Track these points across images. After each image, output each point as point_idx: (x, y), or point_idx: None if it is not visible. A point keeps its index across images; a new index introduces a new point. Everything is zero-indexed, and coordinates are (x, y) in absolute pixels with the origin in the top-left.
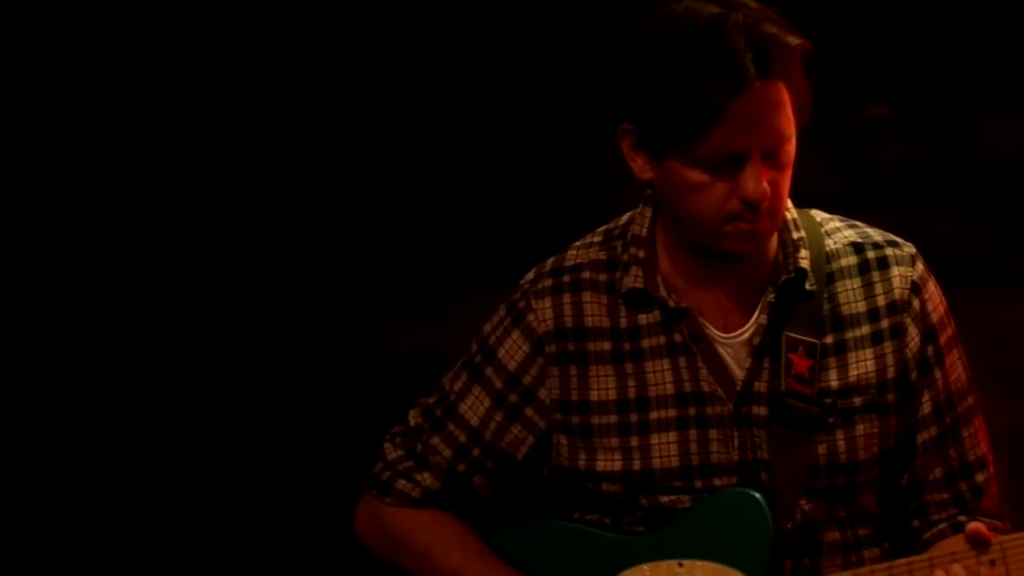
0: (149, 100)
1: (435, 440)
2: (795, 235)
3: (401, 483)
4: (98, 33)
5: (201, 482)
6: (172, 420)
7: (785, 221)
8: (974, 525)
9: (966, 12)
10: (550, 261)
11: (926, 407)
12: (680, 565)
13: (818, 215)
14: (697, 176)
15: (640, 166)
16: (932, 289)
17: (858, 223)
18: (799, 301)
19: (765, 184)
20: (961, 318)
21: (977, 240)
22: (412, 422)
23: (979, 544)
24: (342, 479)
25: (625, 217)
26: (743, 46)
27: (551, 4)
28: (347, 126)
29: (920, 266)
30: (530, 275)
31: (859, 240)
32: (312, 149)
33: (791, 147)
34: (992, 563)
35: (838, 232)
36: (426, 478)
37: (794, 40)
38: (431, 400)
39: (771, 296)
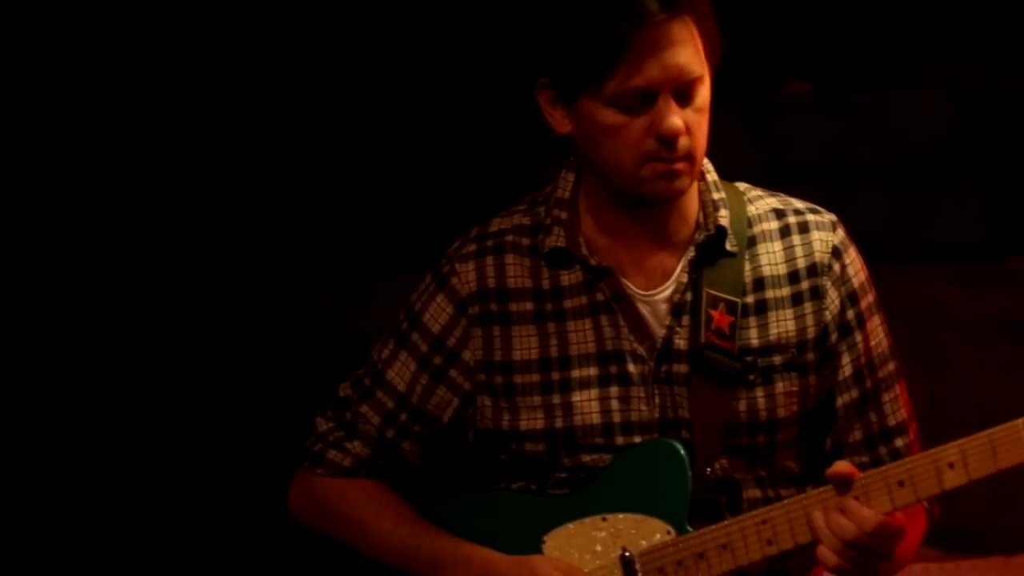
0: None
1: (364, 408)
2: (715, 196)
3: (332, 453)
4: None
5: (121, 466)
6: (90, 403)
7: (706, 182)
8: (837, 464)
9: None
10: (475, 229)
11: (846, 370)
12: (603, 520)
13: (741, 185)
14: (612, 117)
15: (558, 119)
16: (853, 255)
17: (781, 193)
18: (720, 261)
19: (679, 120)
20: (883, 295)
21: (898, 217)
22: (342, 393)
23: (841, 485)
24: (268, 459)
25: (550, 187)
26: None
27: None
28: (268, 107)
29: (841, 232)
30: (455, 244)
31: (781, 206)
32: (234, 130)
33: (705, 91)
34: (856, 497)
35: (760, 200)
36: (356, 446)
37: None
38: (360, 371)
39: (692, 254)
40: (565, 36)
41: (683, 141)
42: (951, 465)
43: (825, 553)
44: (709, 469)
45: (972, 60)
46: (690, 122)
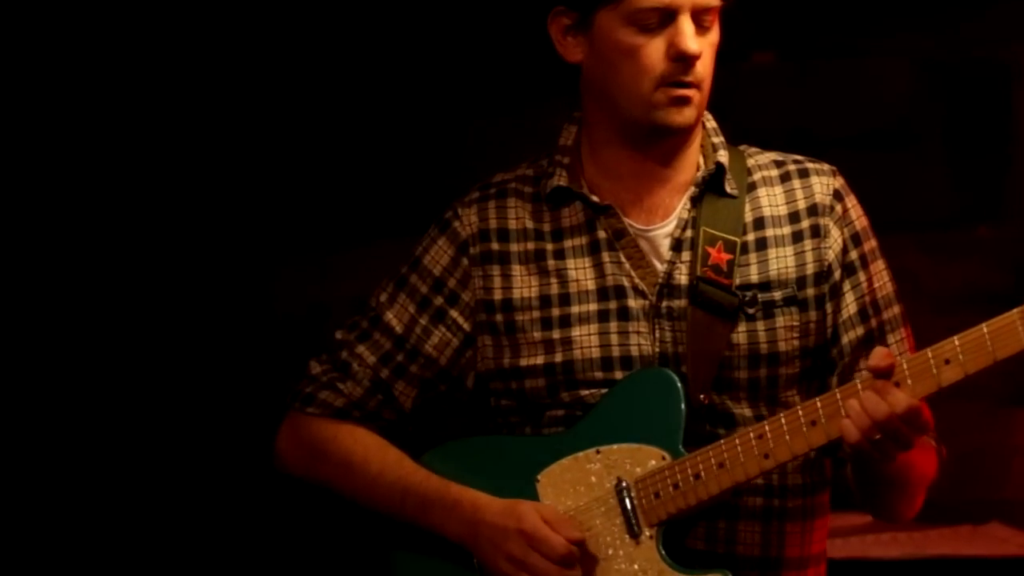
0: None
1: (360, 349)
2: (715, 139)
3: (324, 393)
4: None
5: (85, 445)
6: (58, 380)
7: (706, 129)
8: (878, 350)
9: None
10: (479, 183)
11: (851, 308)
12: (597, 452)
13: (741, 147)
14: (629, 36)
15: (571, 48)
16: (855, 201)
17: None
18: (721, 201)
19: (696, 42)
20: None
21: (864, 186)
22: (338, 336)
23: (881, 373)
24: (237, 432)
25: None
26: None
27: None
28: (233, 83)
29: (841, 179)
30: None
31: (780, 158)
32: (199, 107)
33: (717, 28)
34: (896, 384)
35: (759, 154)
36: (349, 386)
37: None
38: (357, 316)
39: (693, 192)
40: None
41: (698, 66)
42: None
43: (849, 428)
44: (703, 395)
45: (936, 29)
46: (704, 51)
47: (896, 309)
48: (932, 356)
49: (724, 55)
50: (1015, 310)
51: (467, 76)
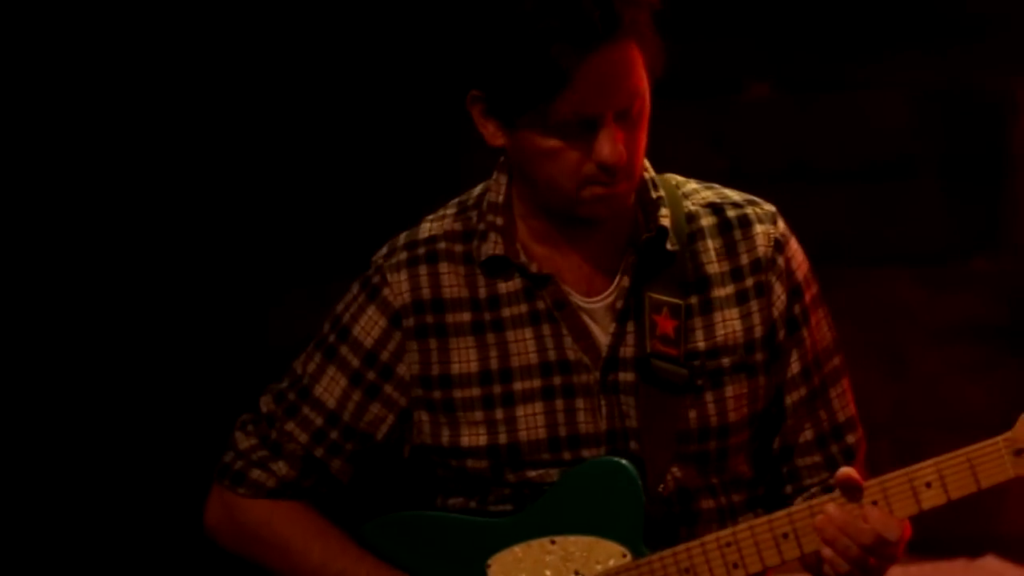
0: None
1: (290, 426)
2: (654, 195)
3: (256, 473)
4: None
5: (79, 473)
6: (52, 410)
7: (644, 181)
8: (844, 470)
9: None
10: (403, 235)
11: (795, 367)
12: (553, 543)
13: (674, 178)
14: (550, 143)
15: (491, 132)
16: (795, 247)
17: (716, 185)
18: (661, 262)
19: (621, 147)
20: (844, 297)
21: (859, 219)
22: (264, 408)
23: (850, 491)
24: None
25: (479, 188)
26: (589, 5)
27: None
28: (231, 111)
29: (781, 224)
30: (383, 250)
31: (718, 200)
32: (195, 136)
33: (645, 104)
34: (874, 503)
35: (696, 194)
36: (281, 467)
37: None
38: (283, 385)
39: (632, 258)
40: (504, 62)
41: (623, 165)
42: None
43: (835, 560)
44: (662, 486)
45: (933, 60)
46: (630, 140)
47: (836, 361)
48: (911, 479)
49: (720, 86)
50: (999, 438)
51: (461, 107)
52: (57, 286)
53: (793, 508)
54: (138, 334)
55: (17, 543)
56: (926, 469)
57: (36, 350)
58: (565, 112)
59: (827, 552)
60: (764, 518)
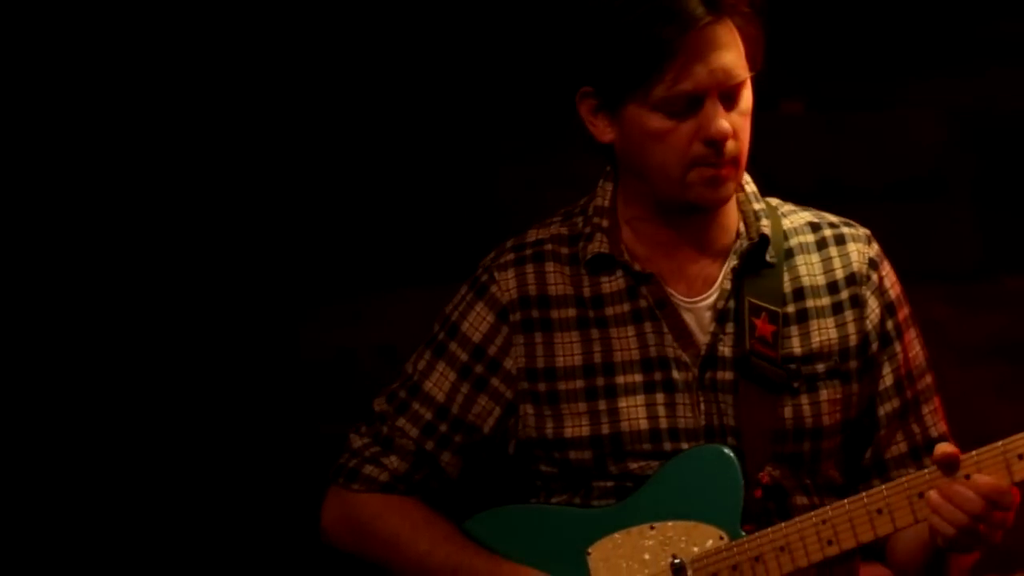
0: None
1: (401, 422)
2: (756, 206)
3: (368, 468)
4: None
5: (110, 484)
6: (81, 421)
7: (746, 192)
8: (942, 446)
9: (880, 7)
10: (510, 240)
11: (888, 379)
12: (652, 528)
13: (772, 200)
14: (658, 122)
15: (601, 129)
16: (888, 267)
17: (812, 208)
18: (760, 271)
19: (726, 123)
20: None
21: (891, 237)
22: (376, 408)
23: (948, 466)
24: (262, 478)
25: (584, 199)
26: None
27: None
28: (263, 123)
29: (876, 245)
30: (490, 255)
31: (816, 220)
32: (228, 148)
33: (748, 94)
34: (967, 477)
35: (794, 213)
36: (393, 461)
37: None
38: (394, 385)
39: (734, 262)
40: (610, 44)
41: (730, 145)
42: None
43: (943, 526)
44: (759, 488)
45: (965, 80)
46: (735, 126)
47: (928, 379)
48: (1004, 449)
49: (753, 104)
50: None
51: (496, 122)
52: (88, 302)
53: (888, 484)
54: (174, 348)
55: (38, 547)
56: (1019, 440)
57: (63, 362)
58: (670, 86)
59: (935, 519)
60: (859, 495)
